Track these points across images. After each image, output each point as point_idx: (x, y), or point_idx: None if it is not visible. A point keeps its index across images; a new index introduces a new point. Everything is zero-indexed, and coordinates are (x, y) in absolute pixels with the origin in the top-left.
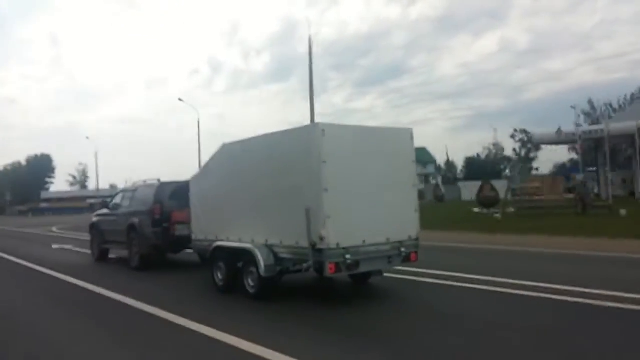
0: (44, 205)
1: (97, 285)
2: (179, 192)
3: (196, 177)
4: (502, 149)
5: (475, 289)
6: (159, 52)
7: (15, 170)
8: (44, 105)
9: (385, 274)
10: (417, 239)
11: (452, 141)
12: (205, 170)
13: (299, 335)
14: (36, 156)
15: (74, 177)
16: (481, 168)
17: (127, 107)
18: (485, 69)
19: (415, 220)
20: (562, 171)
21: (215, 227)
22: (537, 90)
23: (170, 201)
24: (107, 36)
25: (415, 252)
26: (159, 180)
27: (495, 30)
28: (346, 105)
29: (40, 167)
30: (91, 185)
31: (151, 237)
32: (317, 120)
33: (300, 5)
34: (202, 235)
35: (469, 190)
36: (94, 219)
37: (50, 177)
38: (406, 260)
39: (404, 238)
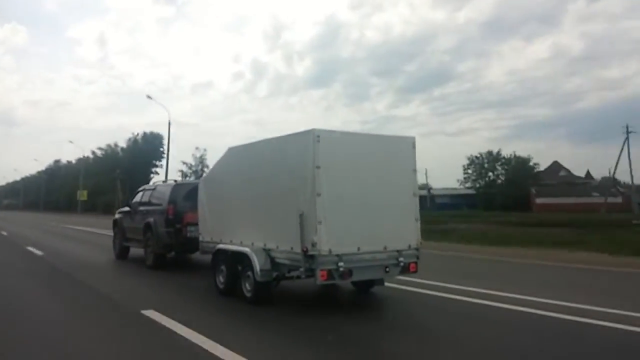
0: None
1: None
2: (193, 193)
3: (204, 179)
4: None
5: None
6: (204, 56)
7: (111, 155)
8: (94, 107)
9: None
10: (417, 249)
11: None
12: (213, 173)
13: (289, 347)
14: (145, 134)
15: (190, 165)
16: None
17: (174, 111)
18: (535, 76)
19: (415, 229)
20: None
21: (219, 230)
22: (590, 100)
23: (184, 202)
24: (154, 39)
25: (415, 263)
26: (175, 181)
27: (547, 35)
28: (388, 112)
29: (146, 152)
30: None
31: (164, 237)
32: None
33: (343, 9)
34: (208, 237)
35: None
36: (117, 216)
37: (156, 165)
38: (405, 270)
39: (403, 247)
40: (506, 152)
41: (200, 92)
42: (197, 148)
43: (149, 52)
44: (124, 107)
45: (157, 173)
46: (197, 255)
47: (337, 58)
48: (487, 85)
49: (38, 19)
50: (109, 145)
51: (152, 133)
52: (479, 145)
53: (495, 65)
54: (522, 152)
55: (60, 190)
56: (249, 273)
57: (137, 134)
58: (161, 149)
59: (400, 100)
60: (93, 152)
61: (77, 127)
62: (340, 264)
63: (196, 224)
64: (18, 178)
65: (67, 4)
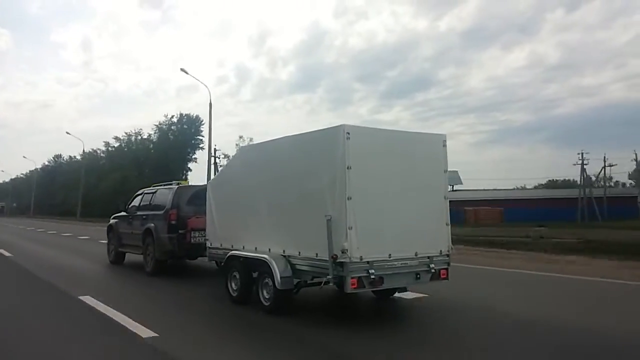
0: None
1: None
2: (197, 196)
3: (213, 182)
4: None
5: None
6: (188, 60)
7: (134, 145)
8: (76, 110)
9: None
10: (448, 255)
11: (476, 156)
12: (222, 174)
13: None
14: (181, 116)
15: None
16: None
17: (159, 114)
18: (514, 83)
19: (446, 234)
20: None
21: (230, 235)
22: (567, 106)
23: (188, 206)
24: (138, 42)
25: (446, 269)
26: (177, 184)
27: (525, 44)
28: (371, 117)
29: (182, 141)
30: None
31: (166, 243)
32: None
33: (328, 17)
34: (217, 242)
35: None
36: (112, 221)
37: (191, 158)
38: (436, 277)
39: (434, 253)
40: (488, 155)
41: (185, 96)
42: (240, 137)
43: (133, 56)
44: (108, 109)
45: (189, 169)
46: (196, 260)
47: (320, 64)
48: (468, 91)
49: (23, 23)
50: (126, 134)
51: (189, 116)
52: (461, 149)
53: (475, 72)
54: (504, 156)
55: (65, 191)
56: (267, 280)
57: (172, 116)
58: (199, 137)
59: (383, 105)
60: (106, 143)
61: (60, 129)
62: (371, 271)
63: (201, 229)
64: (8, 179)
65: (52, 8)
